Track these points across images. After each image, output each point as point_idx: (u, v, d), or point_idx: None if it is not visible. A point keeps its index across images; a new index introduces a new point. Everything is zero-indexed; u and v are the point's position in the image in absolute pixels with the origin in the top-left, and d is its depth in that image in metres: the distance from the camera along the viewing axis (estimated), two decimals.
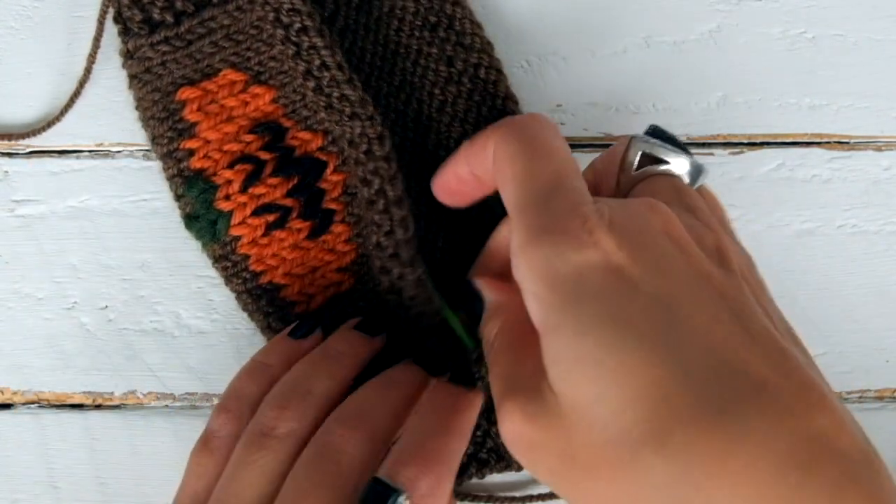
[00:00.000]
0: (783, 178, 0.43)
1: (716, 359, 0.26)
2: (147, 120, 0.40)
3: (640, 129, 0.43)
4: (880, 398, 0.43)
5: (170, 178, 0.40)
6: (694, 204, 0.32)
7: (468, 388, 0.35)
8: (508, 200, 0.31)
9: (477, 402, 0.35)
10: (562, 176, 0.30)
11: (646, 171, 0.34)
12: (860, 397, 0.43)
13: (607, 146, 0.43)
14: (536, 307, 0.28)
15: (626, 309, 0.26)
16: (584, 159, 0.43)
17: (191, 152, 0.39)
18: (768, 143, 0.44)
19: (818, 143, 0.44)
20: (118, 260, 0.42)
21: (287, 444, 0.32)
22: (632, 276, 0.27)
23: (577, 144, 0.43)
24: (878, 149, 0.44)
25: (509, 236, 0.33)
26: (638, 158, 0.34)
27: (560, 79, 0.44)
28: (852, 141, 0.44)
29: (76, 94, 0.42)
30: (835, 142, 0.44)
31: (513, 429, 0.28)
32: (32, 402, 0.41)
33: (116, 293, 0.41)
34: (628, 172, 0.34)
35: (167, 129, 0.40)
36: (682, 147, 0.34)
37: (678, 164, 0.34)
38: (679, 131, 0.43)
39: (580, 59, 0.44)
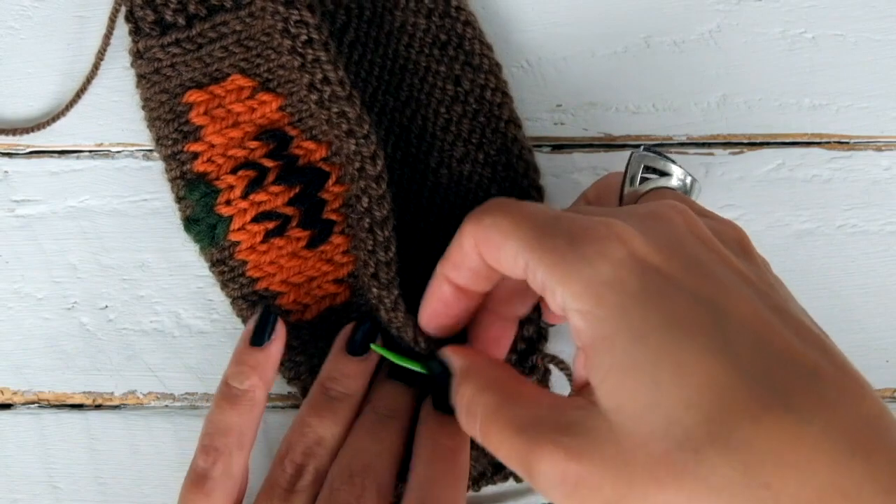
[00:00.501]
0: (783, 178, 0.43)
1: (767, 351, 0.26)
2: (153, 120, 0.40)
3: (640, 129, 0.43)
4: (880, 398, 0.43)
5: (172, 180, 0.40)
6: (703, 209, 0.33)
7: (454, 420, 0.34)
8: (512, 253, 0.30)
9: (467, 436, 0.34)
10: (552, 210, 0.30)
11: (648, 185, 0.34)
12: None
13: (607, 146, 0.43)
14: (585, 324, 0.27)
15: (673, 309, 0.26)
16: (585, 159, 0.43)
17: (195, 155, 0.39)
18: (768, 143, 0.44)
19: (818, 143, 0.44)
20: (118, 260, 0.41)
21: (305, 497, 0.34)
22: (670, 275, 0.27)
23: (577, 144, 0.43)
24: (878, 149, 0.44)
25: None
26: (641, 172, 0.35)
27: (560, 79, 0.43)
28: (852, 141, 0.44)
29: (82, 89, 0.42)
30: (835, 142, 0.44)
31: (556, 471, 0.26)
32: (32, 402, 0.41)
33: (116, 293, 0.41)
34: (631, 187, 0.35)
35: (172, 130, 0.40)
36: (676, 163, 0.35)
37: (677, 176, 0.35)
38: (679, 131, 0.43)
39: (580, 59, 0.44)
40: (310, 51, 0.38)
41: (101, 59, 0.41)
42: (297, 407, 0.38)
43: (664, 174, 0.35)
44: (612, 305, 0.26)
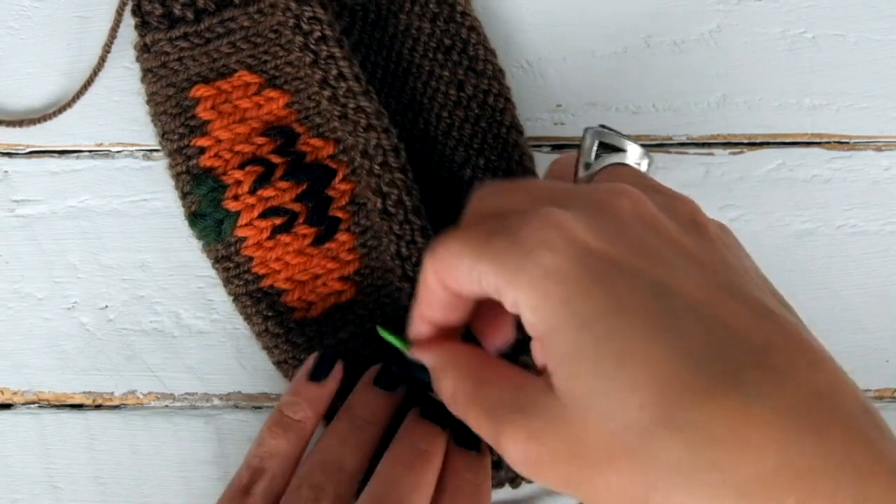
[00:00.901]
0: (783, 178, 0.43)
1: (714, 330, 0.25)
2: (158, 115, 0.40)
3: (640, 129, 0.43)
4: (880, 398, 0.43)
5: (177, 175, 0.40)
6: (656, 185, 0.32)
7: (480, 454, 0.35)
8: (466, 271, 0.29)
9: (489, 468, 0.35)
10: (502, 212, 0.30)
11: (602, 162, 0.34)
12: None
13: None
14: (535, 318, 0.28)
15: (616, 295, 0.26)
16: None
17: (201, 150, 0.39)
18: (768, 143, 0.44)
19: (818, 143, 0.44)
20: (118, 260, 0.41)
21: None
22: (613, 260, 0.27)
23: (576, 144, 0.43)
24: (878, 149, 0.44)
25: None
26: (595, 148, 0.34)
27: (560, 79, 0.43)
28: (852, 141, 0.44)
29: (89, 81, 0.42)
30: (835, 142, 0.44)
31: (517, 450, 0.28)
32: (32, 402, 0.41)
33: (116, 293, 0.41)
34: (586, 164, 0.34)
35: (179, 125, 0.40)
36: (630, 139, 0.34)
37: (632, 152, 0.34)
38: (679, 131, 0.43)
39: (580, 59, 0.44)
40: (324, 47, 0.38)
41: (108, 52, 0.42)
42: None
43: (619, 150, 0.34)
44: (557, 298, 0.27)
